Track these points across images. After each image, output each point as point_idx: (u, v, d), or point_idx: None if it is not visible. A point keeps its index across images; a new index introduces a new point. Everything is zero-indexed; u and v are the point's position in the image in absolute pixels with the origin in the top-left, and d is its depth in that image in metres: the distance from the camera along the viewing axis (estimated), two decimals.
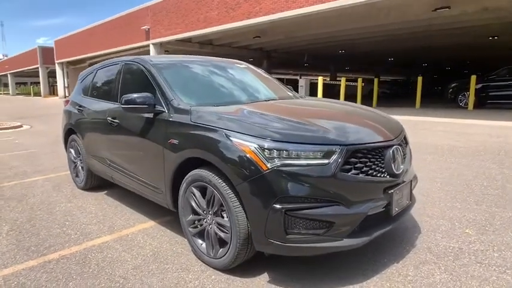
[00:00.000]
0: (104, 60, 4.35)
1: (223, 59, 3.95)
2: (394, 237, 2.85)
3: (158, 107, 2.80)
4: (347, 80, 20.48)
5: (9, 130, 10.30)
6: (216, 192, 2.28)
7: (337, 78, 29.31)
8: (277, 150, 2.04)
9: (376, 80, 16.95)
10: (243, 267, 2.38)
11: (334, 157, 2.05)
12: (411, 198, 2.55)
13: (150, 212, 3.50)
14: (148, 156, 2.89)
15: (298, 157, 2.04)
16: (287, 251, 2.07)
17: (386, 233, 2.84)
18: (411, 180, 2.50)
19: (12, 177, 4.94)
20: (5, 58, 55.77)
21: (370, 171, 2.19)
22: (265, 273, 2.35)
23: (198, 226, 2.52)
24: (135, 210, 3.59)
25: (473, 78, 12.55)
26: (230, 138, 2.19)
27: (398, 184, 2.33)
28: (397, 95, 26.35)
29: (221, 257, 2.32)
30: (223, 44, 21.23)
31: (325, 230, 2.05)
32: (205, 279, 2.30)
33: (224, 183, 2.22)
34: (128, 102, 2.76)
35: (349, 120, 2.54)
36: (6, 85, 58.13)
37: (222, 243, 2.34)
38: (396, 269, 2.37)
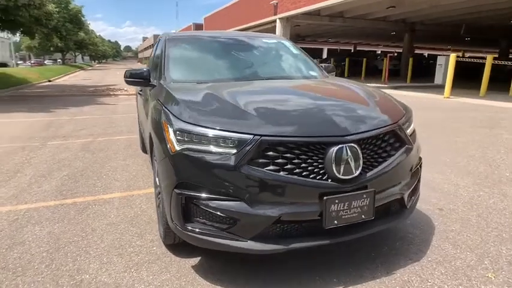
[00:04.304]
0: None
1: (254, 33, 3.78)
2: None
3: (153, 82, 2.95)
4: None
5: None
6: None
7: None
8: (187, 133, 1.91)
9: None
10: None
11: (243, 147, 1.79)
12: (375, 213, 1.97)
13: None
14: (146, 125, 3.11)
15: (206, 143, 1.86)
16: (190, 239, 1.96)
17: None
18: (375, 191, 1.92)
19: (110, 134, 6.08)
20: None
21: (298, 170, 1.82)
22: (198, 258, 2.30)
23: (158, 199, 2.62)
24: None
25: None
26: (161, 114, 2.17)
27: (343, 192, 1.85)
28: None
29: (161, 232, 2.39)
30: (355, 16, 19.75)
31: (228, 226, 1.86)
32: (147, 249, 2.41)
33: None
34: (128, 75, 3.01)
35: (299, 108, 2.16)
36: None
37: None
38: None
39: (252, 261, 2.22)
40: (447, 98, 11.30)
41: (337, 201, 1.84)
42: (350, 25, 21.32)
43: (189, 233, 1.92)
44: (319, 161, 1.84)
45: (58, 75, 23.93)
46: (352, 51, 40.20)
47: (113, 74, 28.83)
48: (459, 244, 2.47)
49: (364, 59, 21.99)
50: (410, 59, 18.23)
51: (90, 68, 47.23)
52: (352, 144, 1.85)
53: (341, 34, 31.08)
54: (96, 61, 77.31)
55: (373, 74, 22.57)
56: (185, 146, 1.89)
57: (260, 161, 1.80)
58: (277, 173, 1.80)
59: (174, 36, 3.35)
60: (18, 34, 15.61)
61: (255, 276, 2.11)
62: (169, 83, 2.70)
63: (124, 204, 3.16)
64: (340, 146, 1.83)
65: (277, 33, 19.69)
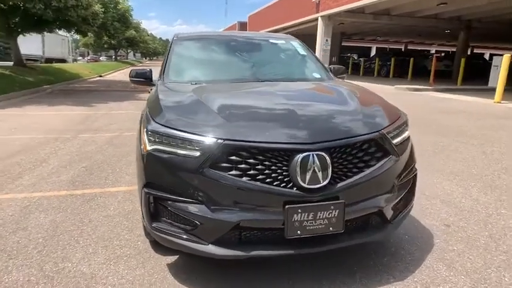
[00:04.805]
0: None
1: (264, 33, 3.74)
2: None
3: (154, 81, 3.05)
4: None
5: None
6: None
7: None
8: (157, 133, 1.94)
9: None
10: None
11: (205, 151, 1.79)
12: (345, 226, 1.86)
13: None
14: None
15: (173, 144, 1.88)
16: (157, 238, 2.00)
17: None
18: (344, 202, 1.82)
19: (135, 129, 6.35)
20: None
21: (261, 177, 1.78)
22: (176, 256, 2.34)
23: None
24: None
25: None
26: (142, 114, 2.23)
27: (308, 201, 1.78)
28: None
29: None
30: (402, 14, 18.76)
31: (192, 228, 1.87)
32: (131, 244, 2.50)
33: None
34: (133, 75, 3.13)
35: (272, 112, 2.13)
36: None
37: None
38: None
39: (225, 265, 2.21)
40: (497, 102, 10.36)
41: (300, 210, 1.77)
42: (397, 23, 20.30)
43: (156, 232, 1.96)
44: (284, 168, 1.79)
45: (109, 71, 25.55)
46: (403, 50, 38.30)
47: (157, 71, 30.10)
48: (455, 266, 2.27)
49: (411, 59, 20.80)
50: (462, 59, 16.92)
51: (140, 64, 49.79)
52: (320, 153, 1.77)
53: (389, 32, 29.72)
54: (147, 58, 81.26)
55: (422, 74, 21.24)
56: (154, 147, 1.93)
57: (223, 165, 1.79)
58: (239, 178, 1.77)
59: (180, 36, 3.42)
60: (72, 32, 16.90)
61: (223, 279, 2.10)
62: (166, 83, 2.77)
63: (126, 198, 3.30)
64: (306, 153, 1.75)
65: (318, 31, 19.31)
